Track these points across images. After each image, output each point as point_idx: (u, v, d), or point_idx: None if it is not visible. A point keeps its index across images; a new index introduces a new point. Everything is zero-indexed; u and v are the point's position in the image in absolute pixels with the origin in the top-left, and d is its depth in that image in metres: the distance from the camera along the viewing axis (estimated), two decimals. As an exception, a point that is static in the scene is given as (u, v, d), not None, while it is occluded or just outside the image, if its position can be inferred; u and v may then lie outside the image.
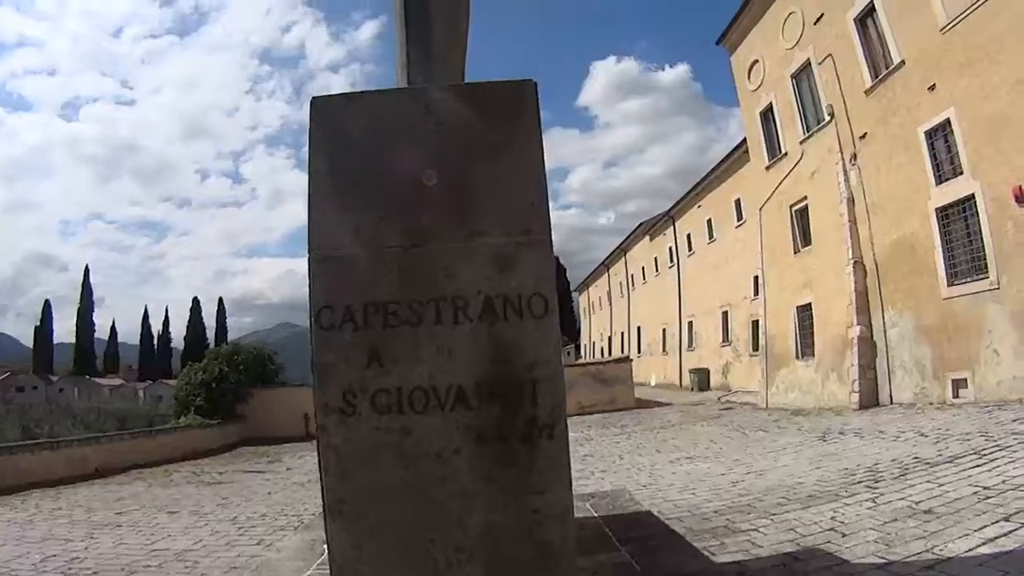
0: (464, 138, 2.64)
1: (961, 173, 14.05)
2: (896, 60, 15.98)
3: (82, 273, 75.64)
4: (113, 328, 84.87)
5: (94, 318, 75.38)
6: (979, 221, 13.53)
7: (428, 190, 2.59)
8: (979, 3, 13.21)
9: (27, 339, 78.84)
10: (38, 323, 69.12)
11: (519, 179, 2.61)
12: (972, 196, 13.71)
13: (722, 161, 31.10)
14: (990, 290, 13.16)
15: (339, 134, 2.69)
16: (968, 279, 13.88)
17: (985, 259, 13.34)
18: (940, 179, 14.77)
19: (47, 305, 71.35)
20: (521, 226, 2.56)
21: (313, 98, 2.73)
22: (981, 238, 13.46)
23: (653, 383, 38.96)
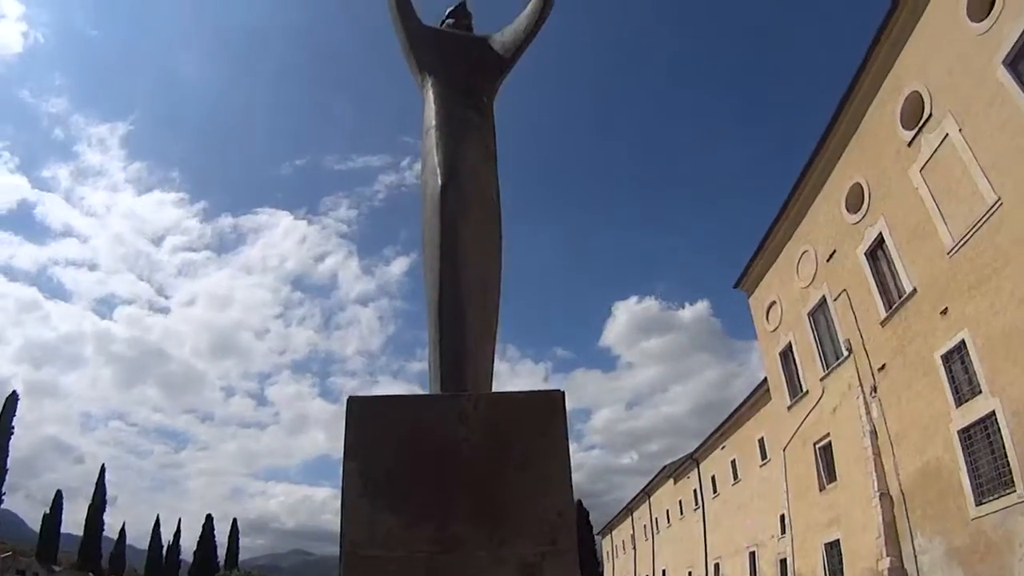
0: (495, 448, 2.74)
1: (980, 392, 14.16)
2: (908, 289, 16.78)
3: (98, 469, 74.81)
4: (123, 530, 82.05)
5: (105, 516, 73.50)
6: (1001, 436, 13.40)
7: (458, 498, 2.66)
8: (982, 221, 14.06)
9: (33, 522, 76.37)
10: (47, 511, 67.06)
11: (546, 489, 2.68)
12: (993, 413, 13.70)
13: (744, 402, 31.38)
14: (1019, 503, 12.72)
15: (373, 436, 2.76)
16: (995, 495, 13.45)
17: (1011, 473, 13.04)
18: (960, 401, 14.84)
19: (59, 495, 69.76)
20: (548, 536, 2.60)
21: (349, 398, 2.86)
22: (1005, 453, 13.26)
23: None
